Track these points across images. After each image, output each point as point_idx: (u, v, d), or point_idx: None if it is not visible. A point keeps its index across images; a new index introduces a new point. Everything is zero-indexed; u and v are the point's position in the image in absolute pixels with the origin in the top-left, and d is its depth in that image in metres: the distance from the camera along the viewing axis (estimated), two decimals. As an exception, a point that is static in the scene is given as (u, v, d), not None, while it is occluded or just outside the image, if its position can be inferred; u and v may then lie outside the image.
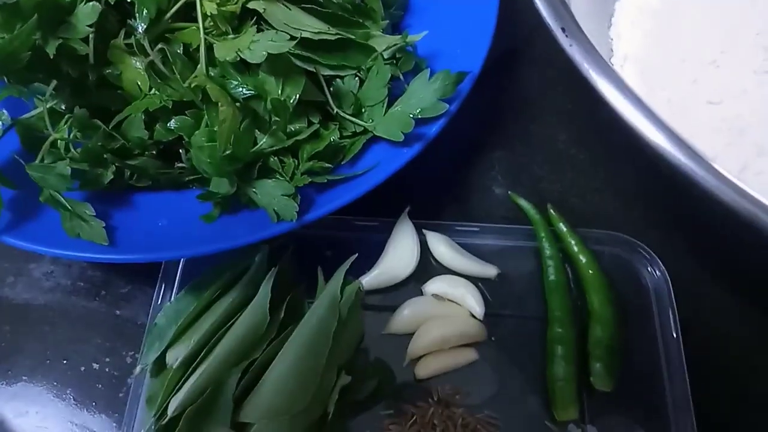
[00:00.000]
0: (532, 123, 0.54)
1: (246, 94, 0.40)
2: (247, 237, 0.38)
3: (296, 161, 0.40)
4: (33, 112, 0.43)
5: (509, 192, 0.49)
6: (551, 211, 0.47)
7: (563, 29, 0.37)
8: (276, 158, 0.40)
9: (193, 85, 0.37)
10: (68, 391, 0.42)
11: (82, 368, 0.43)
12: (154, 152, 0.43)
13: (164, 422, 0.38)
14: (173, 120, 0.40)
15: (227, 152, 0.37)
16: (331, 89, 0.43)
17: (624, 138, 0.36)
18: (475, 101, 0.55)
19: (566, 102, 0.55)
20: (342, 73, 0.44)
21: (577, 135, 0.53)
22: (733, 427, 0.41)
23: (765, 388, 0.42)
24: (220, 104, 0.36)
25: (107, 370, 0.43)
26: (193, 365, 0.39)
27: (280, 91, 0.40)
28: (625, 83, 0.35)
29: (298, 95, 0.40)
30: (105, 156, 0.41)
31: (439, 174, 0.51)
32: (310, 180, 0.39)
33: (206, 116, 0.39)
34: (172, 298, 0.44)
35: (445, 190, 0.50)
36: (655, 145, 0.33)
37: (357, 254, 0.43)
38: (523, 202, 0.48)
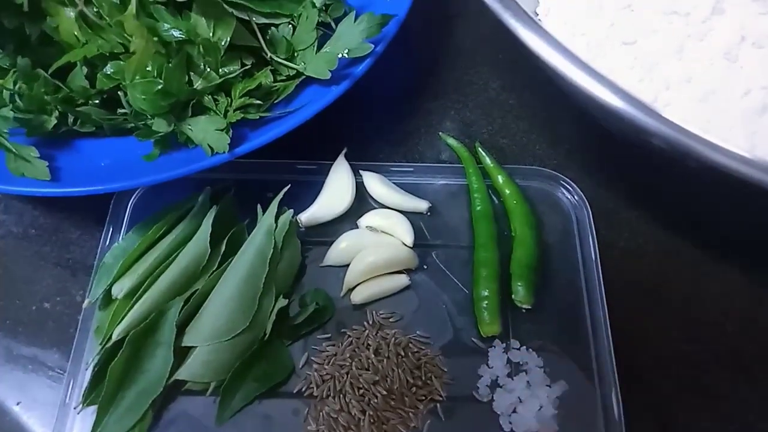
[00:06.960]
0: (466, 73, 0.57)
1: (178, 36, 0.42)
2: (184, 168, 0.40)
3: (229, 99, 0.43)
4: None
5: (440, 133, 0.52)
6: (479, 148, 0.50)
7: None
8: (210, 97, 0.42)
9: (118, 26, 0.39)
10: (20, 329, 0.44)
11: (34, 307, 0.45)
12: (97, 101, 0.45)
13: (109, 346, 0.40)
14: (109, 65, 0.42)
15: (159, 87, 0.39)
16: (267, 37, 0.46)
17: (547, 81, 0.39)
18: (412, 54, 0.59)
19: (497, 53, 0.58)
20: (276, 21, 0.46)
21: (508, 83, 0.56)
22: (643, 335, 0.44)
23: (675, 300, 0.45)
24: (134, 36, 0.38)
25: (58, 308, 0.45)
26: (137, 295, 0.42)
27: (211, 33, 0.42)
28: (538, 25, 0.39)
29: (228, 38, 0.42)
30: (48, 102, 0.43)
31: (377, 120, 0.54)
32: (242, 116, 0.42)
33: (141, 59, 0.41)
34: (120, 240, 0.46)
35: (382, 135, 0.53)
36: (569, 79, 0.37)
37: (290, 185, 0.45)
38: (452, 141, 0.51)
